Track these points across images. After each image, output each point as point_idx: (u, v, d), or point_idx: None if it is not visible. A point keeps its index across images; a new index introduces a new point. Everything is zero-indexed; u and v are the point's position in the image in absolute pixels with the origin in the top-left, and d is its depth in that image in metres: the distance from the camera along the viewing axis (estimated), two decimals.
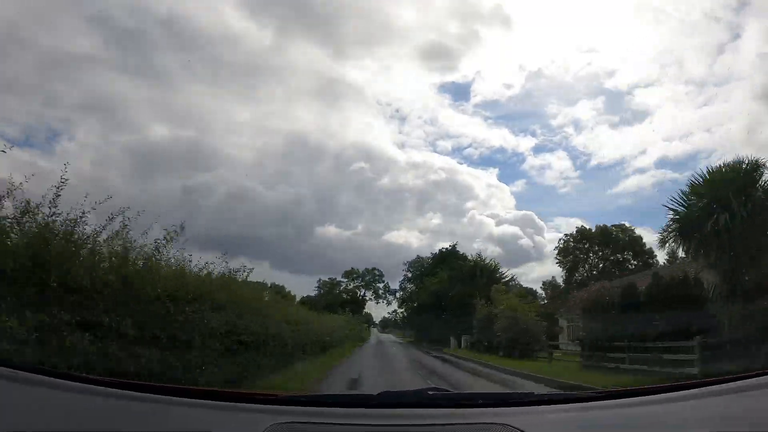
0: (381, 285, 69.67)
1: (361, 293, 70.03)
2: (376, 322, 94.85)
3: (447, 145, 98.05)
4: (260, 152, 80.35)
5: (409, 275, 57.90)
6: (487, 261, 42.06)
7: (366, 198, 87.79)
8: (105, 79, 61.36)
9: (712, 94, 65.74)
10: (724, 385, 1.57)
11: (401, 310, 65.20)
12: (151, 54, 66.98)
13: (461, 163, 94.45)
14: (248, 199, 71.27)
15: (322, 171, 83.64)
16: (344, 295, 66.56)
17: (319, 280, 68.17)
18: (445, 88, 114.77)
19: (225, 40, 71.56)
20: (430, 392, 1.83)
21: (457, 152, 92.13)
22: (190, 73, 69.68)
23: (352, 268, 68.67)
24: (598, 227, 48.97)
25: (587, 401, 1.65)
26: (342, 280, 69.17)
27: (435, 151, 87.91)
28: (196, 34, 68.50)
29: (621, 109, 77.71)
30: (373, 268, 69.64)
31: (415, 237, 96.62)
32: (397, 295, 63.34)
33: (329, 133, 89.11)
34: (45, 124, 62.61)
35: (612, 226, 48.94)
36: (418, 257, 57.48)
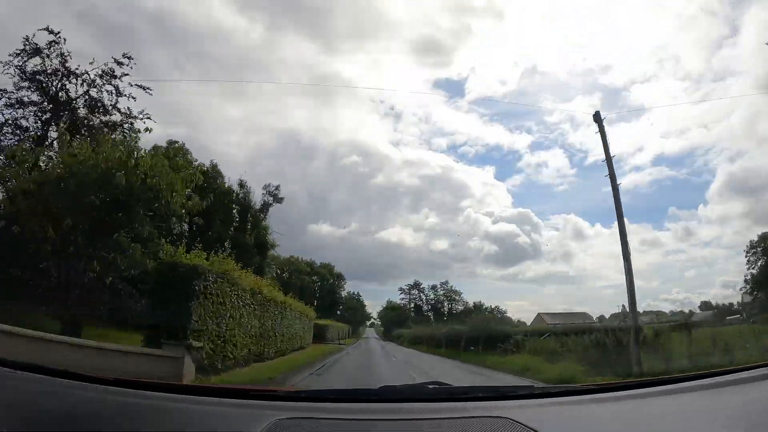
0: None
1: None
2: (373, 316, 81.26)
3: (442, 142, 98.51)
4: (252, 149, 79.94)
5: None
6: None
7: (360, 196, 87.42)
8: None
9: (710, 90, 65.52)
10: (719, 378, 1.59)
11: None
12: (140, 50, 66.22)
13: (457, 161, 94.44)
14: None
15: (315, 168, 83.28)
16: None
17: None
18: (439, 85, 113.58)
19: (215, 35, 70.97)
20: (430, 386, 1.84)
21: (452, 150, 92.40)
22: (180, 70, 68.84)
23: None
24: None
25: (585, 394, 1.67)
26: None
27: (430, 149, 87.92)
28: (186, 30, 67.87)
29: (617, 105, 77.99)
30: None
31: (410, 235, 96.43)
32: None
33: (322, 130, 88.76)
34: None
35: None
36: None
